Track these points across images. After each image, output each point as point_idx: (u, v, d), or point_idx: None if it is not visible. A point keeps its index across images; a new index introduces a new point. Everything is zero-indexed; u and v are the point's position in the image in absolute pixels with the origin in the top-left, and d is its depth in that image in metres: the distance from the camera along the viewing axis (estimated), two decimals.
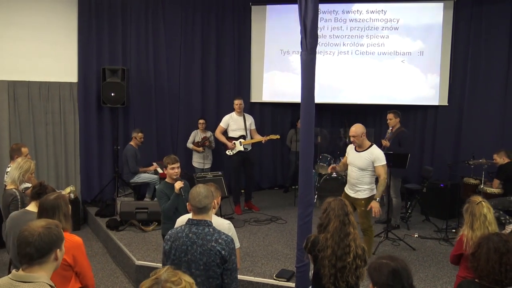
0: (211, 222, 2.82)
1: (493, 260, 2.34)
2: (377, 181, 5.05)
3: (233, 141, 7.21)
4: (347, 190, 5.15)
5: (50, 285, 2.08)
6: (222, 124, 7.33)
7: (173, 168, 4.43)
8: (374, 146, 5.04)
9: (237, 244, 3.32)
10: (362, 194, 4.97)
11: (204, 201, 2.79)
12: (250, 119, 7.39)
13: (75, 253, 2.85)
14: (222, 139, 7.29)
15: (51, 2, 7.30)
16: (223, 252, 2.68)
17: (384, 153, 6.08)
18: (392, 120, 6.62)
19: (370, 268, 2.23)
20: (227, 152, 7.29)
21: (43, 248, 2.07)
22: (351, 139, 5.01)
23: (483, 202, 3.31)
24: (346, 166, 5.24)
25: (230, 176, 7.46)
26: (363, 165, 4.93)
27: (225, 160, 8.47)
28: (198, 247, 2.70)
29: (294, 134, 8.73)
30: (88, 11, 7.51)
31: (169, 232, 2.86)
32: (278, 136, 7.40)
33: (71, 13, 7.43)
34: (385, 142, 6.54)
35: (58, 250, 2.15)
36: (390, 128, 6.65)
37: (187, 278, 1.81)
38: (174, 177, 4.44)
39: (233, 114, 7.33)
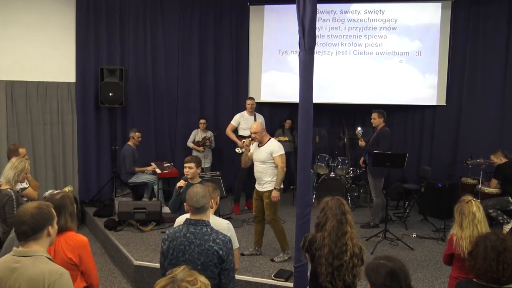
0: (209, 222, 2.82)
1: (491, 258, 2.34)
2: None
3: (243, 140, 7.24)
4: (256, 185, 5.41)
5: (47, 257, 2.32)
6: (233, 122, 7.43)
7: (185, 167, 4.53)
8: (272, 139, 5.36)
9: (236, 245, 3.31)
10: (267, 187, 5.23)
11: (202, 201, 2.79)
12: (260, 119, 7.47)
13: (81, 252, 2.86)
14: (233, 137, 7.37)
15: (49, 2, 7.29)
16: (220, 252, 2.68)
17: (382, 153, 6.15)
18: (376, 120, 6.60)
19: (368, 269, 2.23)
20: (236, 150, 7.35)
21: (36, 226, 2.31)
22: (252, 135, 5.29)
23: (472, 201, 3.32)
24: (249, 161, 5.48)
25: (237, 174, 7.51)
26: (264, 158, 5.21)
27: (226, 160, 8.50)
28: (196, 247, 2.70)
29: (281, 134, 8.74)
30: (86, 11, 7.50)
31: (167, 232, 2.86)
32: (286, 138, 7.51)
33: (69, 12, 7.42)
34: (361, 142, 6.59)
35: (50, 227, 2.37)
36: (359, 129, 6.72)
37: (202, 279, 1.83)
38: (186, 176, 4.51)
39: (245, 113, 7.43)
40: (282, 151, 5.23)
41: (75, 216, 3.00)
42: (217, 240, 2.71)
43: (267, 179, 5.22)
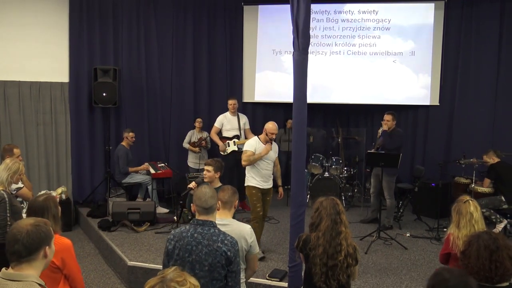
0: (215, 223, 2.79)
1: (484, 258, 2.36)
2: None
3: (227, 141, 7.21)
4: (260, 184, 5.26)
5: (39, 284, 2.05)
6: (217, 124, 7.34)
7: (203, 170, 4.53)
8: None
9: (257, 249, 3.24)
10: (271, 183, 5.44)
11: (210, 201, 2.76)
12: (244, 119, 7.40)
13: (63, 255, 2.80)
14: (216, 139, 7.29)
15: (42, 2, 7.24)
16: (229, 253, 2.65)
17: (376, 153, 6.18)
18: (390, 122, 6.54)
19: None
20: (222, 152, 7.29)
21: (31, 245, 2.05)
22: (273, 136, 5.24)
23: (470, 201, 3.34)
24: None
25: (224, 175, 7.45)
26: (274, 156, 5.41)
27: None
28: (204, 247, 2.66)
29: (283, 134, 8.74)
30: (79, 10, 7.47)
31: (173, 232, 2.83)
32: None
33: (62, 12, 7.38)
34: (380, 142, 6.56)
35: (47, 247, 2.12)
36: (381, 129, 6.65)
37: (192, 280, 1.82)
38: (204, 179, 4.49)
39: (227, 114, 7.34)
40: None
41: (59, 218, 2.96)
42: (225, 241, 2.68)
43: (272, 175, 5.45)
